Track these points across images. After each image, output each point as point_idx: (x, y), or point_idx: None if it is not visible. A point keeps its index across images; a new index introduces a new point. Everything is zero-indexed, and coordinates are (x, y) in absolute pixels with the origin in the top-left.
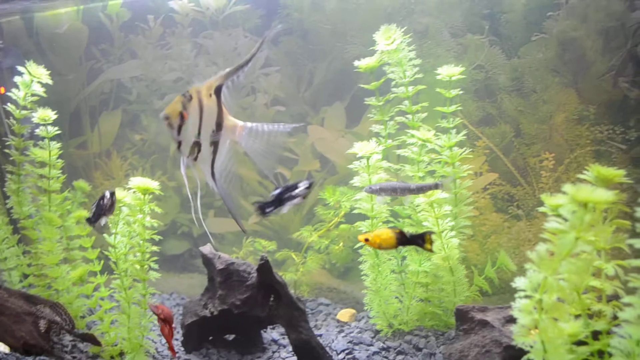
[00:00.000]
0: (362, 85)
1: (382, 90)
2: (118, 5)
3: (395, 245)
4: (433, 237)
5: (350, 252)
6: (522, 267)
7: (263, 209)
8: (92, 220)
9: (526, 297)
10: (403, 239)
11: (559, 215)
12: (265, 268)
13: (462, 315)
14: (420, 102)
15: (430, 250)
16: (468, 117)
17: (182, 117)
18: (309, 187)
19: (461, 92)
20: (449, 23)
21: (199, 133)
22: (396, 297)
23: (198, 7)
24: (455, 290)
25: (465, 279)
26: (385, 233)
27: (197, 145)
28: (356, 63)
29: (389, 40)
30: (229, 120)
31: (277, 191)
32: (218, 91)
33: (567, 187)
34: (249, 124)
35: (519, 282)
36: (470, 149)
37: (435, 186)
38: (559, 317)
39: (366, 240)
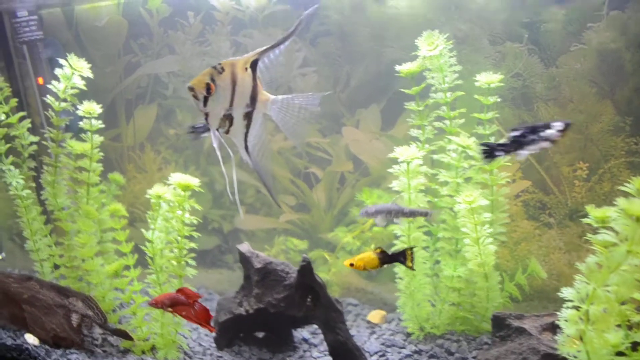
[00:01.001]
0: (402, 90)
1: (420, 94)
2: (159, 0)
3: (379, 265)
4: (413, 251)
5: None
6: (552, 274)
7: (492, 151)
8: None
9: (574, 307)
10: (385, 258)
11: (605, 227)
12: (307, 269)
13: (498, 322)
14: (458, 108)
15: (411, 268)
16: (504, 125)
17: (208, 88)
18: (563, 130)
19: (499, 99)
20: (489, 30)
21: (231, 105)
22: (429, 301)
23: (238, 6)
24: (488, 296)
25: (498, 285)
26: (368, 256)
27: (228, 118)
28: (397, 68)
29: (432, 46)
30: (263, 94)
31: (517, 132)
32: (254, 65)
33: (620, 201)
34: (280, 97)
35: (567, 293)
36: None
37: (426, 214)
38: (604, 328)
39: (351, 265)
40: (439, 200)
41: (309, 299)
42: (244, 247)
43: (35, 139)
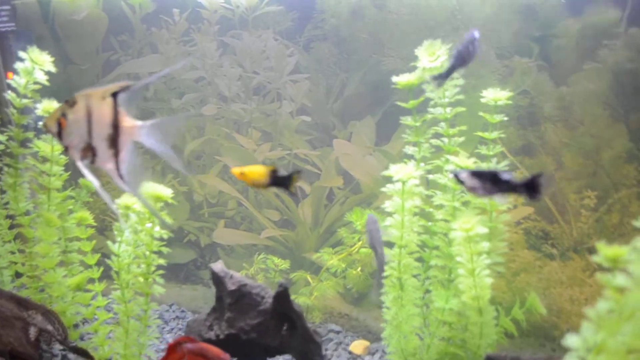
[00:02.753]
0: (398, 103)
1: (418, 109)
2: None
3: (267, 184)
4: (300, 175)
5: (368, 278)
6: (552, 310)
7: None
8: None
9: (578, 357)
10: (274, 179)
11: (616, 268)
12: (283, 295)
13: None
14: (458, 125)
15: (295, 194)
16: (507, 145)
17: (59, 124)
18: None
19: (505, 118)
20: (496, 43)
21: (90, 136)
22: (417, 334)
23: (228, 5)
24: (481, 332)
25: (493, 320)
26: (259, 170)
27: (90, 148)
28: (394, 79)
29: (433, 57)
30: (127, 121)
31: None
32: (115, 95)
33: (638, 241)
34: (147, 123)
35: (571, 341)
36: None
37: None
38: None
39: (241, 174)
40: (433, 225)
41: (284, 327)
42: (218, 266)
43: (3, 138)
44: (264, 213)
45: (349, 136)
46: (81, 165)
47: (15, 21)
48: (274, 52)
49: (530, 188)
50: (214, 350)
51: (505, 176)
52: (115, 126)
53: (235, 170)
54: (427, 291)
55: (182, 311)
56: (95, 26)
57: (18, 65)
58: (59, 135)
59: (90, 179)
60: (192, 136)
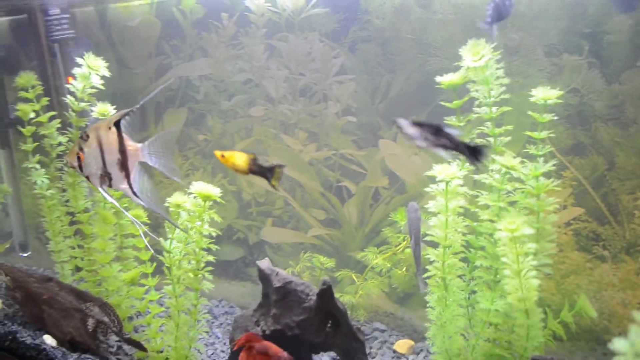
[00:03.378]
0: (442, 103)
1: (463, 108)
2: (193, 1)
3: (246, 171)
4: (282, 171)
5: (413, 277)
6: (603, 313)
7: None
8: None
9: None
10: (254, 167)
11: None
12: (327, 293)
13: None
14: (505, 124)
15: (274, 187)
16: (557, 145)
17: (79, 157)
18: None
19: (555, 117)
20: (544, 41)
21: (104, 164)
22: (461, 334)
23: (274, 8)
24: (528, 334)
25: (541, 322)
26: (240, 157)
27: (107, 174)
28: (438, 79)
29: (477, 56)
30: (131, 145)
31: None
32: (117, 124)
33: None
34: (146, 143)
35: (619, 345)
36: (557, 180)
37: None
38: None
39: (222, 156)
40: (479, 225)
41: (328, 325)
42: (264, 263)
43: (63, 139)
44: (310, 212)
45: (395, 136)
46: (102, 191)
47: (74, 28)
48: (320, 54)
49: (473, 152)
50: (275, 348)
51: (449, 131)
52: (123, 151)
53: (217, 153)
54: (473, 292)
55: (231, 307)
56: (149, 31)
57: (76, 71)
58: (80, 168)
59: (113, 202)
60: (241, 137)
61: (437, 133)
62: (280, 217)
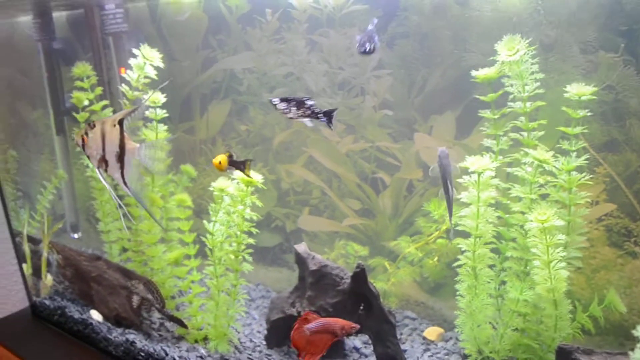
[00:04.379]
0: (477, 96)
1: (498, 103)
2: None
3: (226, 165)
4: (249, 164)
5: (445, 268)
6: (633, 309)
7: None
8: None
9: None
10: (231, 162)
11: None
12: (360, 276)
13: (564, 356)
14: (539, 120)
15: (248, 176)
16: (590, 141)
17: (82, 139)
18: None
19: (589, 113)
20: (580, 38)
21: (104, 151)
22: (490, 323)
23: (316, 4)
24: (556, 325)
25: (569, 314)
26: (220, 157)
27: (104, 160)
28: (474, 73)
29: (512, 51)
30: (130, 144)
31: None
32: (121, 122)
33: None
34: (143, 144)
35: None
36: (590, 175)
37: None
38: None
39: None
40: (510, 217)
41: (361, 308)
42: (301, 247)
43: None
44: (346, 202)
45: (430, 130)
46: (97, 171)
47: (127, 22)
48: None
49: (326, 115)
50: (340, 322)
51: (309, 102)
52: (122, 147)
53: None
54: (503, 283)
55: (268, 291)
56: (197, 26)
57: (131, 61)
58: (83, 147)
59: (103, 182)
60: (281, 128)
61: (299, 105)
62: (317, 207)
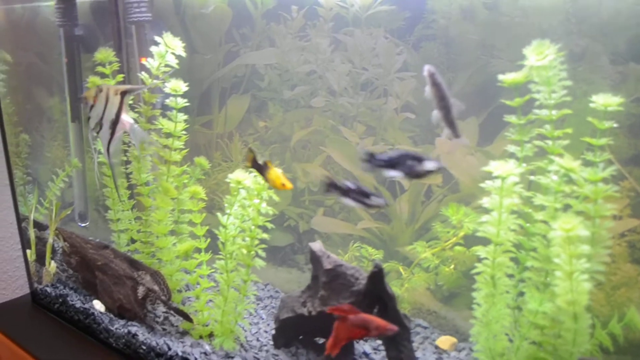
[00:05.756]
0: (503, 101)
1: (523, 109)
2: None
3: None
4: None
5: (461, 276)
6: None
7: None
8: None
9: None
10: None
11: None
12: (378, 276)
13: None
14: (565, 128)
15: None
16: (616, 154)
17: (93, 100)
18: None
19: (615, 125)
20: (611, 48)
21: (102, 116)
22: (506, 335)
23: (343, 3)
24: (575, 340)
25: (588, 329)
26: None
27: (100, 124)
28: (500, 77)
29: (541, 56)
30: (125, 116)
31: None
32: (123, 94)
33: None
34: (135, 124)
35: None
36: (616, 188)
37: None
38: None
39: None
40: (532, 226)
41: (375, 309)
42: (316, 245)
43: (135, 115)
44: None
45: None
46: (90, 133)
47: (151, 12)
48: (384, 50)
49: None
50: (377, 321)
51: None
52: (117, 116)
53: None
54: (521, 294)
55: (276, 291)
56: (221, 19)
57: (153, 49)
58: (91, 108)
59: (94, 148)
60: (300, 126)
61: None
62: (332, 208)
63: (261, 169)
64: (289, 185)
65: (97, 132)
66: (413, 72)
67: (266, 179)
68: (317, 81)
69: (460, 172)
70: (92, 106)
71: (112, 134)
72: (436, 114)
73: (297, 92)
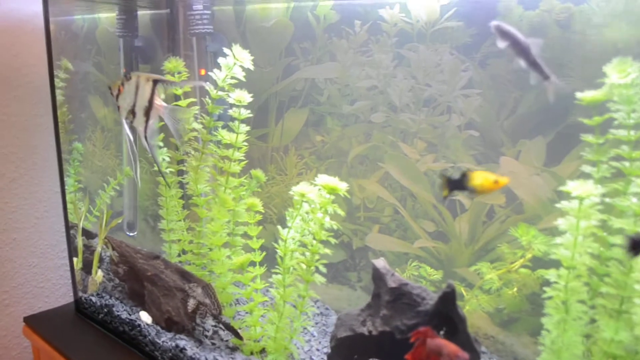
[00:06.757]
0: (581, 120)
1: (598, 129)
2: (329, 7)
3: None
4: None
5: (524, 300)
6: None
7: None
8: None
9: None
10: (450, 182)
11: None
12: (450, 296)
13: None
14: None
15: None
16: None
17: (119, 89)
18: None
19: None
20: None
21: (134, 104)
22: None
23: (408, 18)
24: None
25: None
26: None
27: (132, 112)
28: (579, 95)
29: (623, 74)
30: (158, 101)
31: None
32: (155, 82)
33: None
34: (168, 107)
35: None
36: None
37: None
38: None
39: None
40: (606, 250)
41: (442, 332)
42: (380, 262)
43: (197, 126)
44: (419, 223)
45: (517, 154)
46: (124, 122)
47: (212, 24)
48: (449, 66)
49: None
50: (451, 347)
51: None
52: (150, 102)
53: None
54: (591, 321)
55: (326, 308)
56: (282, 33)
57: (220, 60)
58: (117, 97)
59: (127, 131)
60: (359, 142)
61: None
62: (388, 225)
63: (463, 182)
64: (502, 179)
65: (131, 122)
66: (478, 89)
67: (475, 190)
68: (377, 96)
69: (525, 193)
70: (117, 95)
71: (147, 120)
72: (521, 63)
73: (356, 106)
